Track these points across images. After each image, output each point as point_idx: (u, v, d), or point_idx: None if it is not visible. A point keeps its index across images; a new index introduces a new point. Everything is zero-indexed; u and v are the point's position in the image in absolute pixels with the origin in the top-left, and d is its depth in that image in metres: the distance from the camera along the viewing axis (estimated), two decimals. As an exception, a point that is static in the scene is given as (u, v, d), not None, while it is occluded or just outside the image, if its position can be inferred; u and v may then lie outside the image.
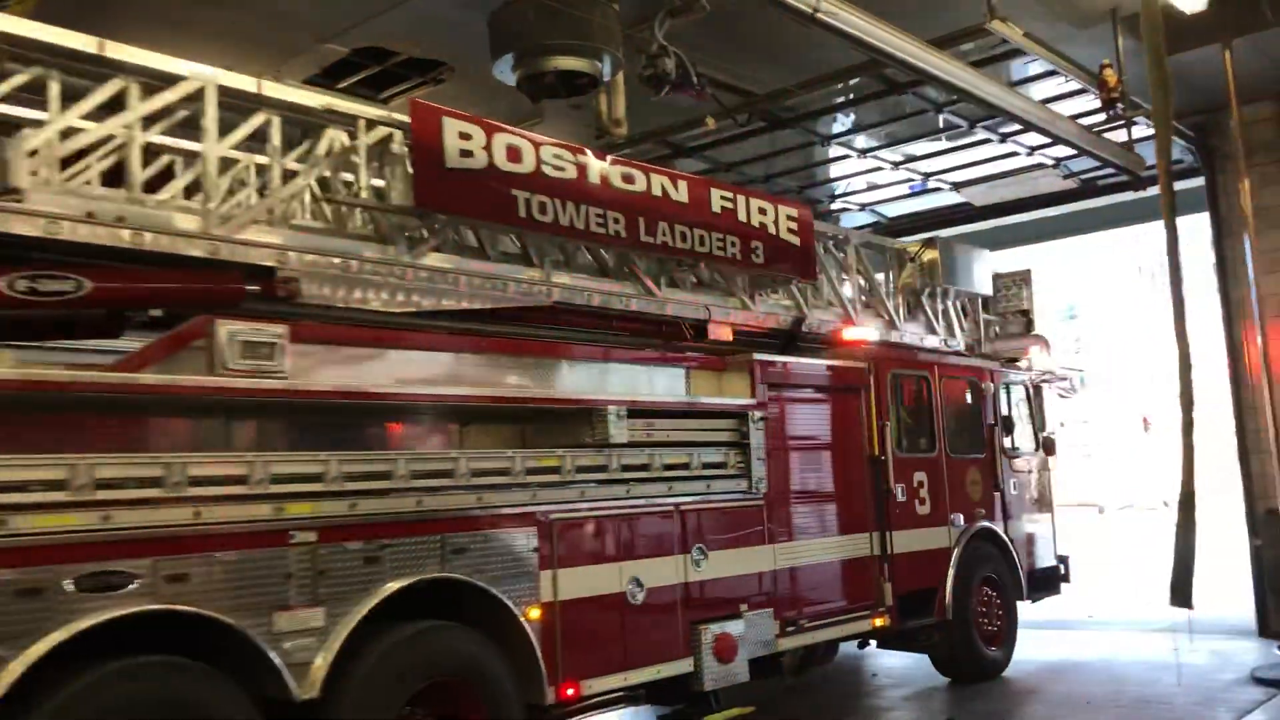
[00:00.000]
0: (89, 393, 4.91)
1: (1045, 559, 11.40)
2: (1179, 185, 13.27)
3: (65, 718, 4.38)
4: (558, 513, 6.49)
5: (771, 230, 8.37)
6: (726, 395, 8.02)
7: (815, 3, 7.27)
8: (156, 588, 4.73)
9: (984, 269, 11.50)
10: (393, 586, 5.58)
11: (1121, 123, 10.71)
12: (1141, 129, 11.57)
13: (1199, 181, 12.77)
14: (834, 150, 12.61)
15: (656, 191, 7.53)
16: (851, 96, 10.78)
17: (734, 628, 7.47)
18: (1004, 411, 11.01)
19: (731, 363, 8.13)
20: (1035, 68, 9.98)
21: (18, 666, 4.29)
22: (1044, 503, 11.65)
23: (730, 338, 8.32)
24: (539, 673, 6.16)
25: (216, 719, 4.83)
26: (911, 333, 10.45)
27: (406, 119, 6.29)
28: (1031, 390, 11.76)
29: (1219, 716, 8.41)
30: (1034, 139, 12.18)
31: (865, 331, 9.76)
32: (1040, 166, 13.08)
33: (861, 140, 12.29)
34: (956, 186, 13.92)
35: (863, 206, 14.98)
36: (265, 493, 5.16)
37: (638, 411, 7.01)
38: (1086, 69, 9.87)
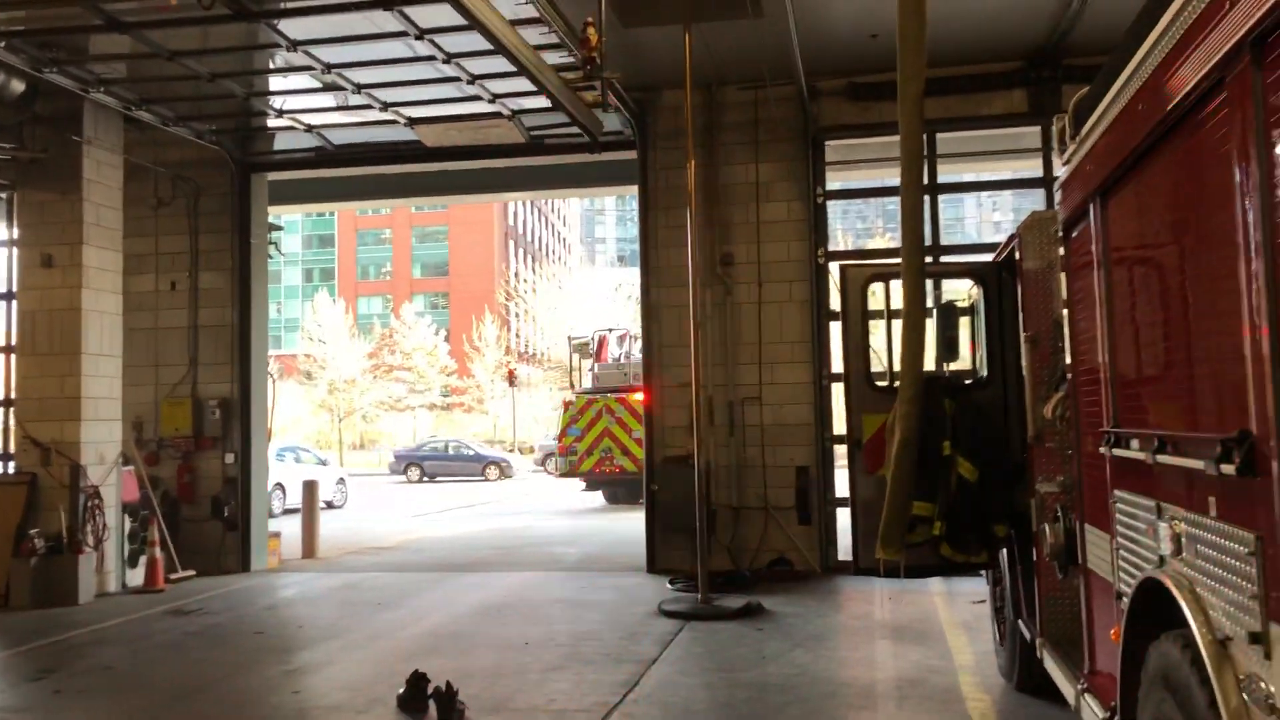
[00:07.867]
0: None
1: None
2: (614, 156, 14.31)
3: None
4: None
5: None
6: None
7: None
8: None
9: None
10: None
11: (592, 84, 11.01)
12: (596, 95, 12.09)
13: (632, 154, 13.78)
14: (298, 60, 11.43)
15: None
16: (332, 2, 9.81)
17: None
18: None
19: None
20: (524, 12, 9.84)
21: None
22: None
23: None
24: None
25: None
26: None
27: None
28: None
29: (646, 648, 9.03)
30: (499, 86, 12.18)
31: None
32: (498, 115, 13.10)
33: (326, 54, 11.29)
34: (412, 122, 13.46)
35: (309, 128, 13.90)
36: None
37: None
38: (569, 24, 9.99)
